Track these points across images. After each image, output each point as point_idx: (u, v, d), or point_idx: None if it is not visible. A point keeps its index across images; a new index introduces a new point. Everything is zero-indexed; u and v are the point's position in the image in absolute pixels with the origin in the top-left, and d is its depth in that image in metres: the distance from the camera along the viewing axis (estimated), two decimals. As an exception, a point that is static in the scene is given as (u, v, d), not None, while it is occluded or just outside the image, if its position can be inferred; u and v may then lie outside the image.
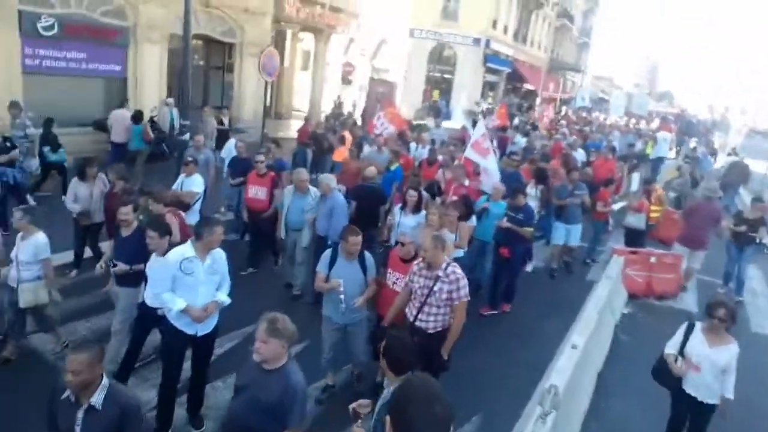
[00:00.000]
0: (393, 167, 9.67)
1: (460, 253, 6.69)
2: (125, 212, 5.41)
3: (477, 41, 29.99)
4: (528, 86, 38.12)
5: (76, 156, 11.72)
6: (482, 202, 7.95)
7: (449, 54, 31.14)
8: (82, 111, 12.63)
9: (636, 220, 9.51)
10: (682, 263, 9.01)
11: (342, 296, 4.90)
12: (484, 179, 9.54)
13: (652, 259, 8.70)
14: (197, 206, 7.58)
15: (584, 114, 30.94)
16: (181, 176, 7.78)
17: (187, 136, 10.57)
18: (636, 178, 12.44)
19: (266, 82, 14.23)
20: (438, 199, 8.46)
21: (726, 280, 9.25)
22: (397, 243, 5.99)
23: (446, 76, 31.40)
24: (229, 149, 10.19)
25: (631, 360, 6.85)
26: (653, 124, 30.07)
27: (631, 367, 6.69)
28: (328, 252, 5.21)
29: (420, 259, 4.86)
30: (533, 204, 9.00)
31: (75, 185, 7.10)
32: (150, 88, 13.64)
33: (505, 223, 7.32)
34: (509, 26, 33.54)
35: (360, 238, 5.01)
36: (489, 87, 34.66)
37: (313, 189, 7.39)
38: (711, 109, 54.78)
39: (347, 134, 12.84)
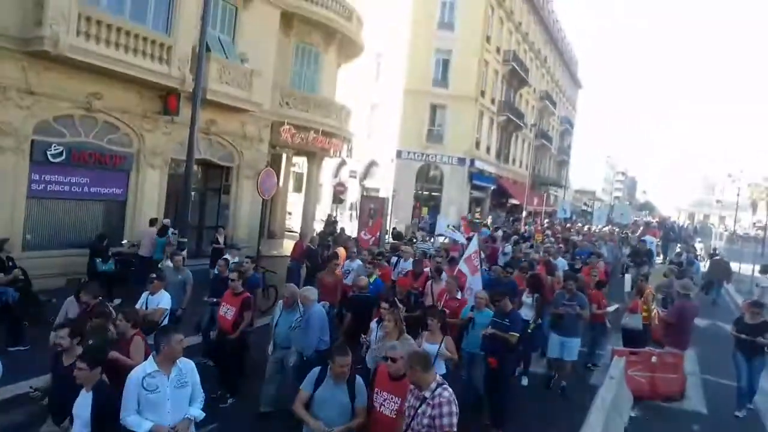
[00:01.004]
0: (372, 278, 9.37)
1: (442, 368, 6.22)
2: (61, 335, 4.72)
3: (462, 161, 31.64)
4: (513, 201, 39.55)
5: (70, 277, 11.89)
6: (467, 311, 7.83)
7: (436, 173, 32.66)
8: (81, 233, 12.91)
9: (632, 321, 9.54)
10: (684, 362, 8.89)
11: None
12: (469, 297, 9.00)
13: (654, 359, 8.60)
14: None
15: (568, 225, 31.87)
16: (145, 294, 7.31)
17: (184, 253, 10.77)
18: (628, 279, 12.64)
19: (263, 202, 14.73)
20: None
21: (740, 397, 8.35)
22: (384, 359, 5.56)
23: (434, 193, 32.66)
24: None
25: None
26: (638, 232, 31.00)
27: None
28: (316, 370, 4.72)
29: None
30: (528, 313, 9.06)
31: (69, 304, 6.80)
32: (148, 209, 14.07)
33: (489, 330, 7.08)
34: (491, 147, 35.60)
35: (349, 358, 4.55)
36: (475, 202, 35.92)
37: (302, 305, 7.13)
38: (691, 216, 56.58)
39: (341, 250, 13.13)
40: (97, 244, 11.65)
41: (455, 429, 3.98)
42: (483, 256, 13.40)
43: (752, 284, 15.66)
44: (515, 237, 20.23)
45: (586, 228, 30.13)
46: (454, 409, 4.02)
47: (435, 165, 32.23)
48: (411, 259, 11.69)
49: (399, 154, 31.57)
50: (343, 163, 31.64)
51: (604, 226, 31.86)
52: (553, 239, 19.43)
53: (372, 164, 32.90)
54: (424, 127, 31.99)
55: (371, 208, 21.73)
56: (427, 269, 10.42)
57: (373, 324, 6.73)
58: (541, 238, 19.30)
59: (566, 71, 55.20)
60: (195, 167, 12.09)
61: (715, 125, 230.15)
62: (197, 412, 4.37)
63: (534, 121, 42.47)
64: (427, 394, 4.08)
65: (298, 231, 21.31)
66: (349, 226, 22.89)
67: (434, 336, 6.36)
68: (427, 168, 32.51)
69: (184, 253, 10.57)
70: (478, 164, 32.88)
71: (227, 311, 7.37)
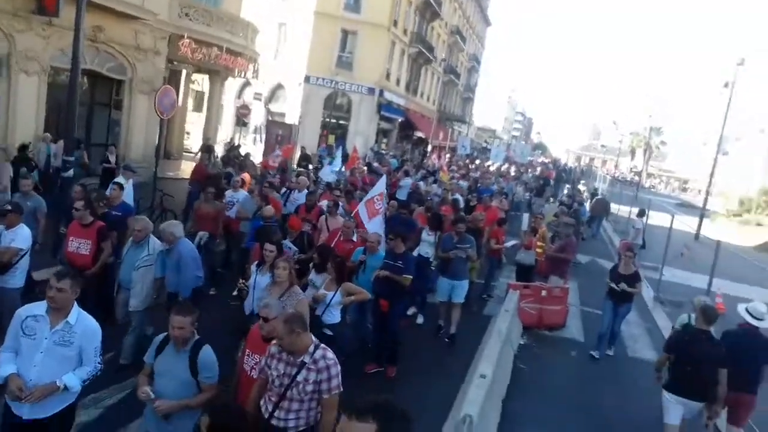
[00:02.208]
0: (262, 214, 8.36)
1: (336, 316, 5.94)
2: None
3: (371, 90, 31.14)
4: (419, 134, 40.00)
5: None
6: (358, 253, 7.33)
7: (344, 101, 31.98)
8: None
9: (527, 257, 10.18)
10: (569, 295, 9.76)
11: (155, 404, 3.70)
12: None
13: (543, 293, 9.33)
14: (24, 264, 5.88)
15: (467, 161, 32.90)
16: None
17: (71, 172, 9.78)
18: (526, 218, 13.39)
19: (160, 121, 13.64)
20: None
21: (600, 343, 8.61)
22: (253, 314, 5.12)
23: (342, 122, 32.11)
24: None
25: (530, 388, 7.21)
26: (536, 172, 32.96)
27: (531, 394, 7.06)
28: (160, 337, 3.97)
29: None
30: (429, 251, 8.91)
31: None
32: (23, 122, 12.52)
33: (382, 272, 6.67)
34: (401, 78, 35.27)
35: (188, 319, 3.77)
36: (383, 134, 35.89)
37: (153, 239, 6.19)
38: (579, 159, 60.87)
39: (247, 176, 12.57)
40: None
41: (341, 388, 3.63)
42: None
43: (628, 225, 17.31)
44: (423, 171, 20.48)
45: (485, 165, 31.31)
46: (339, 368, 3.65)
47: (344, 93, 31.50)
48: (305, 191, 10.65)
49: (307, 79, 30.38)
50: (247, 84, 29.96)
51: (501, 165, 33.33)
52: (458, 175, 19.95)
53: (278, 87, 31.47)
54: (334, 53, 30.84)
55: (278, 134, 20.94)
56: (324, 203, 9.49)
57: (253, 267, 5.98)
58: (447, 177, 19.52)
59: (478, 7, 55.21)
60: (81, 78, 10.76)
61: (608, 74, 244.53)
62: (72, 381, 3.62)
63: (444, 56, 42.46)
64: (306, 358, 3.60)
65: (198, 152, 20.21)
66: (253, 150, 21.97)
67: (331, 284, 6.02)
68: (336, 95, 31.72)
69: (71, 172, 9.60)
70: (388, 95, 32.57)
71: (79, 246, 6.29)
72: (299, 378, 3.59)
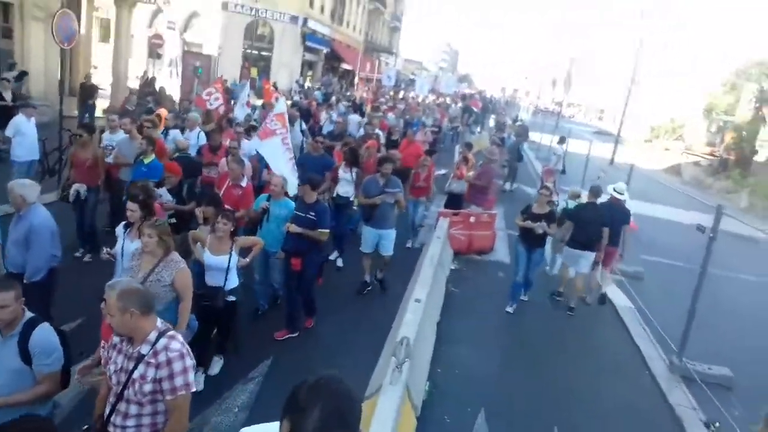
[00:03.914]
0: (147, 160, 7.02)
1: (235, 280, 5.13)
2: None
3: (294, 19, 29.68)
4: (346, 66, 38.94)
5: None
6: (261, 201, 6.40)
7: (266, 30, 30.34)
8: None
9: (458, 186, 10.39)
10: (496, 220, 10.14)
11: None
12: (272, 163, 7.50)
13: (472, 219, 9.63)
14: None
15: (393, 93, 32.55)
16: None
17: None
18: (457, 149, 13.58)
19: (61, 52, 12.35)
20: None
21: (514, 295, 7.77)
22: None
23: (264, 53, 30.59)
24: (16, 126, 8.74)
25: (462, 310, 7.56)
26: (459, 103, 33.19)
27: (463, 315, 7.41)
28: None
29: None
30: (349, 189, 8.31)
31: None
32: None
33: (293, 227, 5.79)
34: (325, 6, 33.77)
35: (10, 294, 3.08)
36: (308, 66, 34.65)
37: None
38: (503, 90, 61.85)
39: (163, 111, 11.81)
40: None
41: (193, 388, 2.94)
42: (304, 126, 12.41)
43: (550, 152, 17.99)
44: (347, 104, 19.98)
45: (411, 97, 31.14)
46: (189, 362, 2.88)
47: (265, 21, 29.81)
48: (197, 129, 9.55)
49: (225, 5, 28.45)
50: (159, 11, 27.64)
51: (428, 96, 33.27)
52: (385, 107, 19.71)
53: (193, 15, 29.30)
54: (253, -24, 28.90)
55: (196, 66, 19.67)
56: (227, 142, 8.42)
57: (119, 229, 4.92)
58: (371, 108, 19.07)
59: (403, -70, 53.05)
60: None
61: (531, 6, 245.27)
62: None
63: (370, -18, 40.91)
64: (145, 349, 2.86)
65: (108, 88, 18.69)
66: (169, 84, 20.58)
67: (221, 243, 5.03)
68: (257, 24, 29.99)
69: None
70: (312, 24, 31.20)
71: None
72: (135, 374, 2.83)
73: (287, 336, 6.07)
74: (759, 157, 28.14)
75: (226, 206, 5.92)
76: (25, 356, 3.09)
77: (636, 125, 42.50)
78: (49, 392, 3.18)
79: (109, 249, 4.93)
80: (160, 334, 2.90)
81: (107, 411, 2.96)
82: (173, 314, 4.19)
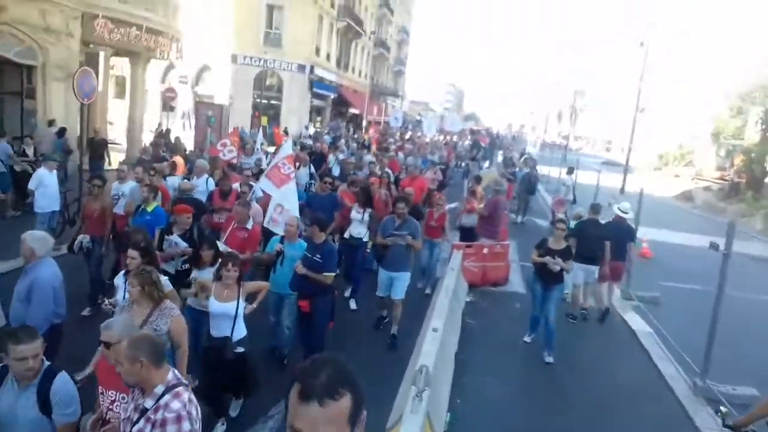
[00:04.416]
0: (150, 207, 6.88)
1: (243, 329, 4.88)
2: None
3: (302, 67, 30.61)
4: (353, 110, 39.81)
5: None
6: (275, 243, 6.27)
7: (275, 80, 31.29)
8: None
9: (469, 219, 10.50)
10: (510, 251, 10.18)
11: None
12: (278, 218, 7.30)
13: (485, 251, 9.69)
14: None
15: (400, 133, 33.09)
16: None
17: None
18: (465, 184, 13.76)
19: (81, 109, 12.86)
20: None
21: (532, 327, 7.56)
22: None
23: (273, 101, 31.44)
24: (39, 179, 9.09)
25: (479, 340, 7.55)
26: (466, 141, 33.81)
27: (481, 346, 7.39)
28: None
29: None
30: (362, 230, 8.24)
31: None
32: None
33: (300, 268, 5.69)
34: (332, 54, 34.84)
35: (34, 345, 2.99)
36: (316, 112, 35.47)
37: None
38: (510, 126, 62.60)
39: (179, 159, 12.19)
40: None
41: None
42: (313, 169, 12.32)
43: (559, 184, 18.11)
44: (354, 145, 20.41)
45: (418, 136, 31.62)
46: (186, 426, 2.67)
47: (273, 72, 30.78)
48: (204, 176, 9.50)
49: (234, 58, 29.47)
50: (171, 67, 28.64)
51: (436, 136, 33.78)
52: (394, 147, 20.08)
53: (204, 69, 30.34)
54: (260, 29, 30.02)
55: (208, 116, 20.26)
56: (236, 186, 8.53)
57: (119, 279, 4.78)
58: (377, 148, 19.15)
59: (403, -22, 55.03)
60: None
61: (535, 42, 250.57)
62: None
63: (374, 29, 42.23)
64: (149, 403, 2.71)
65: (124, 142, 19.29)
66: (183, 135, 21.19)
67: (229, 289, 4.80)
68: (266, 74, 30.96)
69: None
70: (319, 72, 32.14)
71: None
72: (134, 429, 2.70)
73: None
74: (770, 180, 28.04)
75: (231, 249, 5.85)
76: (45, 406, 3.01)
77: (644, 154, 42.69)
78: None
79: (108, 299, 4.78)
80: (167, 389, 2.74)
81: None
82: (170, 364, 4.05)
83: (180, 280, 5.69)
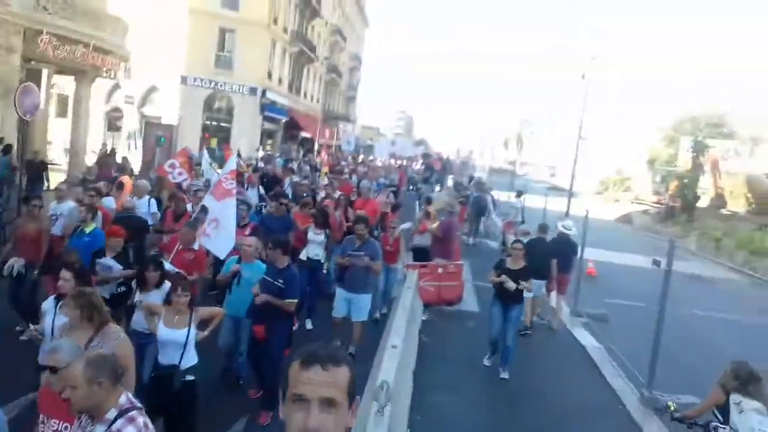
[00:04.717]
0: (88, 229, 6.55)
1: (194, 357, 4.57)
2: None
3: (253, 90, 30.46)
4: (305, 134, 39.80)
5: None
6: (231, 263, 6.06)
7: (224, 103, 30.98)
8: None
9: (422, 239, 10.63)
10: (463, 271, 10.35)
11: None
12: (211, 233, 6.83)
13: (440, 270, 9.80)
14: None
15: (352, 157, 33.36)
16: None
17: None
18: (417, 207, 13.97)
19: (19, 126, 12.32)
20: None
21: (493, 349, 7.47)
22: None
23: (223, 124, 31.07)
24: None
25: (436, 358, 7.60)
26: (417, 165, 34.46)
27: (438, 363, 7.44)
28: None
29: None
30: (319, 252, 8.11)
31: None
32: None
33: (261, 296, 5.41)
34: (284, 78, 34.88)
35: None
36: (267, 135, 35.23)
37: None
38: (458, 152, 64.17)
39: (126, 179, 11.76)
40: None
41: None
42: (262, 190, 12.18)
43: (508, 207, 18.66)
44: (306, 168, 20.38)
45: (370, 159, 31.93)
46: None
47: (224, 94, 30.49)
48: (146, 197, 9.09)
49: (184, 80, 29.03)
50: (117, 87, 27.92)
51: (387, 160, 34.22)
52: (347, 170, 20.18)
53: (152, 90, 29.71)
54: (212, 52, 29.75)
55: (158, 136, 19.77)
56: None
57: (48, 304, 4.45)
58: (329, 171, 18.94)
59: (356, 6, 56.04)
60: None
61: (482, 69, 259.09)
62: None
63: (327, 55, 42.64)
64: (100, 429, 2.51)
65: (64, 163, 18.52)
66: (129, 156, 20.56)
67: (180, 315, 4.51)
68: (216, 96, 30.62)
69: None
70: (270, 95, 32.04)
71: None
72: None
73: (259, 395, 5.69)
74: (701, 203, 29.84)
75: (178, 270, 5.64)
76: None
77: (586, 179, 44.59)
78: None
79: (35, 326, 4.45)
80: (120, 414, 2.54)
81: None
82: None
83: (117, 304, 5.44)
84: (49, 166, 16.84)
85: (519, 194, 17.68)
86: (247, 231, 7.48)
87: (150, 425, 2.67)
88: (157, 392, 4.38)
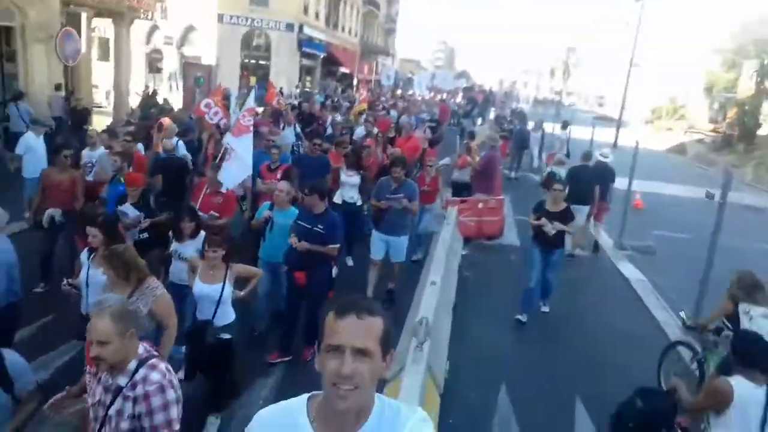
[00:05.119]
0: (123, 177, 6.49)
1: (231, 314, 4.51)
2: None
3: (290, 26, 29.86)
4: (344, 70, 39.11)
5: None
6: (264, 209, 5.99)
7: (262, 41, 30.57)
8: None
9: (461, 175, 10.48)
10: (504, 205, 10.22)
11: None
12: (226, 163, 6.68)
13: (480, 205, 9.71)
14: None
15: (392, 91, 32.62)
16: None
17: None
18: (458, 142, 13.70)
19: (65, 71, 12.52)
20: None
21: (525, 304, 6.90)
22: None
23: (262, 61, 30.81)
24: (26, 144, 8.91)
25: (476, 292, 7.66)
26: (458, 98, 33.47)
27: (478, 297, 7.50)
28: None
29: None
30: (354, 194, 7.90)
31: None
32: None
33: (302, 243, 5.24)
34: (320, 13, 33.96)
35: None
36: (306, 71, 34.81)
37: None
38: (501, 83, 61.92)
39: (165, 121, 11.83)
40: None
41: (177, 426, 2.57)
42: (298, 129, 11.94)
43: (553, 139, 18.01)
44: (346, 104, 20.07)
45: (409, 94, 31.22)
46: (171, 395, 2.53)
47: (261, 31, 30.04)
48: (175, 139, 8.87)
49: (221, 18, 28.66)
50: (156, 29, 27.93)
51: (428, 94, 33.36)
52: (389, 105, 19.80)
53: (190, 30, 29.54)
54: (245, -13, 29.12)
55: (197, 76, 19.84)
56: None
57: (83, 256, 4.53)
58: (363, 108, 17.48)
59: (391, -68, 53.29)
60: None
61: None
62: None
63: (362, -15, 41.11)
64: (123, 380, 2.51)
65: (110, 106, 18.93)
66: (170, 98, 20.81)
67: (215, 271, 4.42)
68: (253, 34, 30.22)
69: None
70: (308, 31, 31.37)
71: None
72: (111, 410, 2.50)
73: (279, 360, 5.48)
74: (762, 131, 28.05)
75: (211, 213, 5.66)
76: (5, 383, 2.92)
77: (637, 108, 42.50)
78: (32, 411, 3.03)
79: (70, 279, 4.55)
80: (140, 363, 2.54)
81: None
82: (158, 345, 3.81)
83: (141, 251, 5.26)
84: (95, 108, 17.31)
85: (564, 125, 17.02)
86: (279, 174, 7.31)
87: (171, 371, 2.67)
88: (194, 347, 4.40)
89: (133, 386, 2.49)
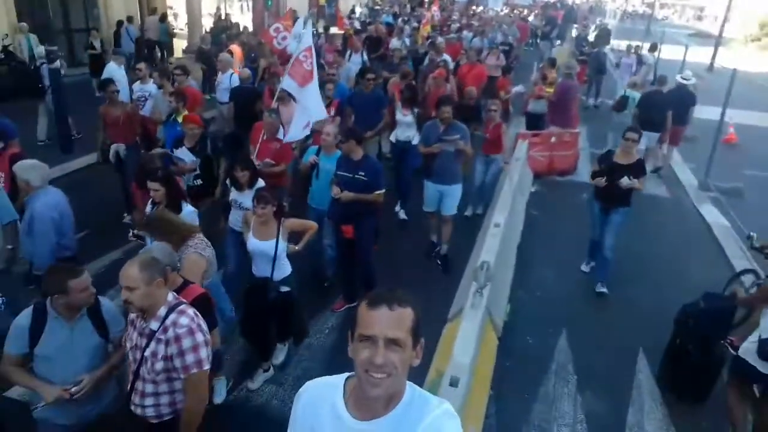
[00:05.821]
0: (181, 117, 6.30)
1: (287, 267, 4.35)
2: None
3: (359, -62, 28.42)
4: (415, -15, 37.11)
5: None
6: (310, 154, 5.67)
7: (332, -45, 29.37)
8: None
9: (537, 106, 9.97)
10: (579, 139, 9.71)
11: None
12: (294, 121, 6.10)
13: (553, 139, 9.28)
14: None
15: (466, 9, 30.71)
16: None
17: (57, 63, 9.32)
18: (535, 66, 12.92)
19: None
20: None
21: (591, 253, 6.49)
22: None
23: (332, -22, 29.75)
24: (110, 73, 9.22)
25: (543, 233, 7.48)
26: (534, 15, 31.03)
27: (544, 238, 7.34)
28: (26, 314, 2.93)
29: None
30: (410, 133, 7.36)
31: None
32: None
33: (346, 193, 4.97)
34: None
35: (86, 275, 2.89)
36: (378, -13, 33.36)
37: None
38: (587, -5, 56.76)
39: (235, 48, 11.77)
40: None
41: (208, 365, 2.75)
42: (365, 57, 11.41)
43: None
44: (416, 25, 18.93)
45: (483, 12, 29.37)
46: (200, 338, 2.70)
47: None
48: (229, 72, 8.73)
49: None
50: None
51: (502, 10, 31.28)
52: (458, 26, 18.76)
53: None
54: None
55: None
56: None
57: (148, 209, 4.46)
58: (427, 30, 16.46)
59: None
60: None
61: None
62: None
63: None
64: (155, 325, 2.70)
65: (185, 30, 19.15)
66: (241, 20, 20.73)
67: (267, 227, 4.23)
68: (322, -51, 29.06)
69: (58, 63, 9.14)
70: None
71: None
72: (147, 352, 2.72)
73: (346, 307, 5.48)
74: None
75: (266, 160, 5.53)
76: (102, 329, 3.04)
77: (742, 23, 37.96)
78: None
79: (136, 231, 4.55)
80: (170, 309, 2.73)
81: (127, 390, 2.88)
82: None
83: (197, 197, 5.34)
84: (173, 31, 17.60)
85: (653, 48, 15.57)
86: (332, 111, 6.95)
87: (199, 315, 2.83)
88: (254, 303, 4.35)
89: (165, 330, 2.69)
